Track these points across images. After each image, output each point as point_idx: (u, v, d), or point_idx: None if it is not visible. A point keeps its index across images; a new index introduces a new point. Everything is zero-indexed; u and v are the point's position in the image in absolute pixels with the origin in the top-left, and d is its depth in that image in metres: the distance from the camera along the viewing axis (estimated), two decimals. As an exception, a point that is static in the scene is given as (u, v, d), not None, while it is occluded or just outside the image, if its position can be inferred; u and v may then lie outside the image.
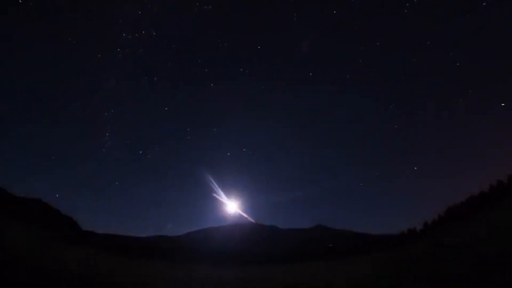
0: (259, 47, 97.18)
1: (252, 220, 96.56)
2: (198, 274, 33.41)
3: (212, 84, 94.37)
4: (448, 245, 23.87)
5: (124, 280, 18.33)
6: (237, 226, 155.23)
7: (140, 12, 65.97)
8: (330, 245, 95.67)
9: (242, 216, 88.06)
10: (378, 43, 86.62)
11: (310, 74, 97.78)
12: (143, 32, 71.23)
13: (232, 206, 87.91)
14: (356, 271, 25.33)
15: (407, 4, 66.48)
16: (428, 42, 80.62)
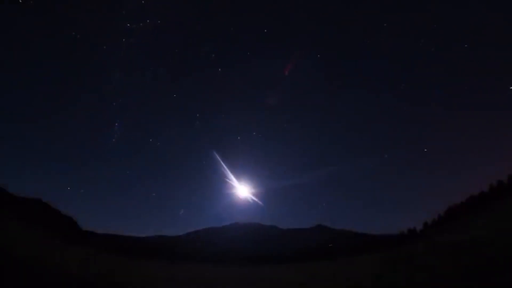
0: (265, 30, 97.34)
1: (260, 203, 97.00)
2: (198, 274, 33.42)
3: (219, 69, 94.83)
4: (448, 245, 23.87)
5: (124, 280, 18.34)
6: (237, 226, 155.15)
7: (143, 1, 66.50)
8: (330, 245, 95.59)
9: (252, 199, 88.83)
10: (385, 24, 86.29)
11: (318, 56, 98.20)
12: (148, 21, 71.81)
13: (242, 190, 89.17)
14: (356, 271, 25.33)
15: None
16: (435, 25, 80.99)
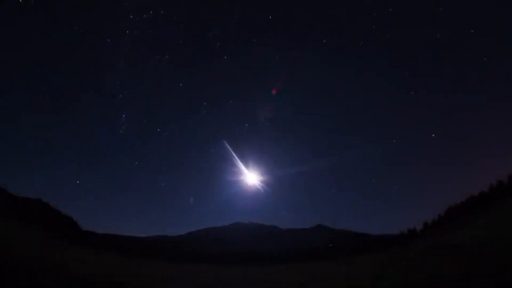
0: (270, 17, 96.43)
1: (267, 189, 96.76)
2: (198, 274, 33.43)
3: (225, 57, 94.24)
4: (448, 245, 23.87)
5: (124, 280, 18.33)
6: (238, 226, 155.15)
7: (145, -7, 65.00)
8: (330, 245, 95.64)
9: (261, 186, 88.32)
10: (390, 9, 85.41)
11: (324, 41, 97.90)
12: (151, 12, 70.66)
13: (251, 177, 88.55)
14: (356, 271, 25.34)
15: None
16: (441, 9, 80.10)
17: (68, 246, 38.92)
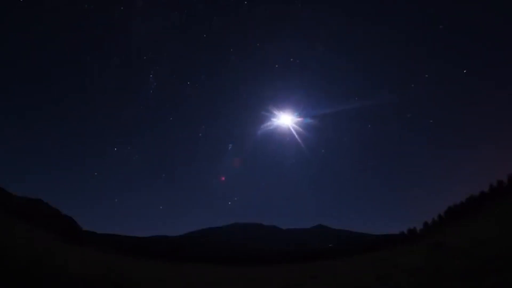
0: None
1: (298, 140, 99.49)
2: (198, 274, 33.44)
3: (245, 2, 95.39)
4: (448, 245, 23.88)
5: (124, 281, 18.33)
6: (238, 226, 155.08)
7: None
8: (330, 245, 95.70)
9: (293, 131, 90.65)
10: None
11: None
12: None
13: (284, 119, 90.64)
14: (356, 271, 25.32)
15: None
16: None
17: (68, 246, 38.91)
